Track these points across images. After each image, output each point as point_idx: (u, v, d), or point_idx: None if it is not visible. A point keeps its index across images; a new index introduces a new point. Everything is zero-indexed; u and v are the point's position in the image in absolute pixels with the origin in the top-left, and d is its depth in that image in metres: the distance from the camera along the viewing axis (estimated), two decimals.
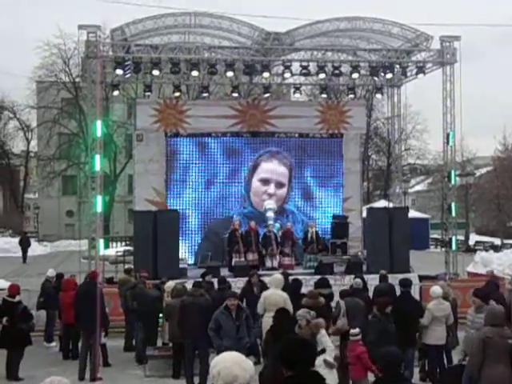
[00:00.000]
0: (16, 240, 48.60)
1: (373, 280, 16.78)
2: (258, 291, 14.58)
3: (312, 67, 23.97)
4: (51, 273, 17.89)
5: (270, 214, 23.85)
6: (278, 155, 25.60)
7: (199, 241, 24.98)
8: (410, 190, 60.50)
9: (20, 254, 41.85)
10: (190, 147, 25.25)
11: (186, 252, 23.97)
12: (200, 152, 25.26)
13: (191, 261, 23.93)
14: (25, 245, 42.08)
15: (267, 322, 11.94)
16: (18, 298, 13.23)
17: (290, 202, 25.67)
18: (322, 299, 12.96)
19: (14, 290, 13.41)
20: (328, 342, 9.76)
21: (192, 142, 25.29)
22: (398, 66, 24.08)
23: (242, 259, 21.15)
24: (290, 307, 12.38)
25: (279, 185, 25.50)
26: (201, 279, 15.44)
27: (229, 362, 4.29)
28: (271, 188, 25.32)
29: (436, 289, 12.56)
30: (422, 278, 20.41)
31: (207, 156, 25.32)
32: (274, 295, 12.98)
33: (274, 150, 25.59)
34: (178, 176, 25.09)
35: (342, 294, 12.94)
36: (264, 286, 14.47)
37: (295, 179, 25.75)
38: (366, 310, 12.39)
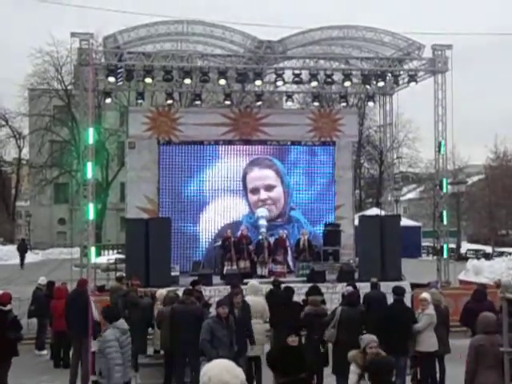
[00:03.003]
0: (7, 248, 48.76)
1: (365, 288, 16.73)
2: (239, 314, 12.53)
3: (304, 75, 24.05)
4: (42, 281, 17.83)
5: (263, 222, 23.86)
6: (258, 160, 25.63)
7: (190, 249, 24.90)
8: (401, 198, 60.80)
9: (14, 261, 42.41)
10: (183, 155, 25.24)
11: (176, 260, 23.86)
12: (192, 160, 25.25)
13: (187, 268, 23.84)
14: (22, 250, 42.48)
15: (256, 327, 12.48)
16: (8, 307, 13.13)
17: (297, 208, 25.63)
18: (324, 307, 12.95)
19: (5, 298, 13.31)
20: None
21: (184, 149, 25.28)
22: (389, 75, 24.16)
23: (234, 267, 21.14)
24: (267, 313, 13.10)
25: (268, 187, 25.52)
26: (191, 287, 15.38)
27: (219, 369, 4.28)
28: (262, 194, 25.37)
29: (428, 295, 12.61)
30: (413, 285, 20.43)
31: (199, 164, 25.30)
32: (255, 303, 12.98)
33: (251, 159, 25.61)
34: (170, 184, 25.06)
35: (348, 301, 12.32)
36: (247, 308, 12.82)
37: (287, 187, 25.73)
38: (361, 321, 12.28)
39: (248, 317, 12.71)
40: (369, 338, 8.90)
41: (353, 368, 8.71)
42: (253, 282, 14.26)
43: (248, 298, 13.15)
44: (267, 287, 16.98)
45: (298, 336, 9.59)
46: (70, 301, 14.07)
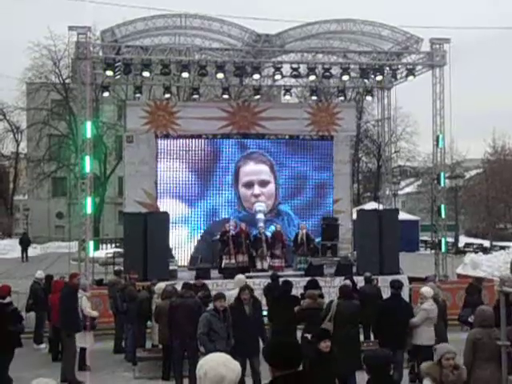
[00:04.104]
0: (5, 242, 48.83)
1: (362, 282, 16.80)
2: (250, 311, 11.85)
3: (302, 69, 24.03)
4: (39, 274, 17.81)
5: (261, 216, 23.85)
6: (253, 155, 25.62)
7: (189, 242, 24.93)
8: (399, 192, 60.74)
9: (13, 255, 42.72)
10: (180, 149, 25.23)
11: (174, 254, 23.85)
12: (190, 154, 25.25)
13: (183, 262, 23.85)
14: (24, 244, 42.82)
15: None
16: (8, 299, 13.14)
17: (284, 203, 25.66)
18: (322, 300, 12.94)
19: (4, 290, 13.31)
20: None
21: (182, 143, 25.27)
22: (388, 69, 24.15)
23: (233, 261, 21.15)
24: None
25: (263, 183, 25.50)
26: (191, 281, 15.43)
27: (215, 363, 4.26)
28: (256, 189, 25.33)
29: (428, 290, 12.60)
30: (411, 279, 20.46)
31: (197, 158, 25.30)
32: None
33: (247, 152, 25.60)
34: (168, 178, 25.05)
35: (341, 294, 12.22)
36: (256, 303, 12.26)
37: (285, 181, 25.75)
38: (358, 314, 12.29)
39: (260, 314, 12.25)
40: (444, 349, 7.60)
41: (427, 383, 7.44)
42: (239, 276, 14.23)
43: (235, 291, 13.11)
44: (265, 281, 17.06)
45: (331, 340, 9.07)
46: (62, 297, 14.07)
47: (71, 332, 13.52)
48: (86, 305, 14.21)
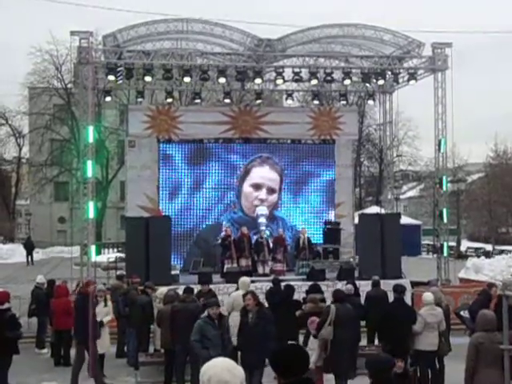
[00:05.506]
0: (8, 246, 48.87)
1: (365, 286, 16.78)
2: (253, 319, 11.11)
3: (304, 73, 24.05)
4: (40, 279, 17.75)
5: (262, 220, 23.86)
6: (270, 160, 25.68)
7: (189, 247, 24.96)
8: (401, 197, 60.65)
9: (15, 259, 43.03)
10: (182, 153, 25.26)
11: (176, 258, 23.86)
12: (192, 158, 25.28)
13: (180, 267, 23.83)
14: (29, 248, 42.97)
15: (235, 320, 11.95)
16: (6, 306, 13.08)
17: (280, 208, 25.71)
18: (324, 305, 12.92)
19: (2, 296, 13.27)
20: None
21: (184, 148, 25.30)
22: (389, 73, 24.17)
23: (235, 265, 21.14)
24: None
25: (271, 190, 25.55)
26: (192, 285, 15.38)
27: (219, 369, 4.23)
28: (263, 194, 25.36)
29: (427, 295, 12.54)
30: (413, 284, 20.43)
31: (199, 162, 25.33)
32: (239, 296, 12.88)
33: (265, 156, 25.67)
34: (170, 182, 25.08)
35: (335, 298, 12.16)
36: (261, 310, 11.36)
37: (287, 185, 25.79)
38: (357, 317, 12.30)
39: (266, 323, 11.11)
40: None
41: None
42: (244, 278, 14.22)
43: (239, 292, 13.09)
44: (267, 285, 17.04)
45: (403, 361, 8.55)
46: (75, 305, 14.02)
47: (80, 339, 13.46)
48: (98, 310, 14.13)
